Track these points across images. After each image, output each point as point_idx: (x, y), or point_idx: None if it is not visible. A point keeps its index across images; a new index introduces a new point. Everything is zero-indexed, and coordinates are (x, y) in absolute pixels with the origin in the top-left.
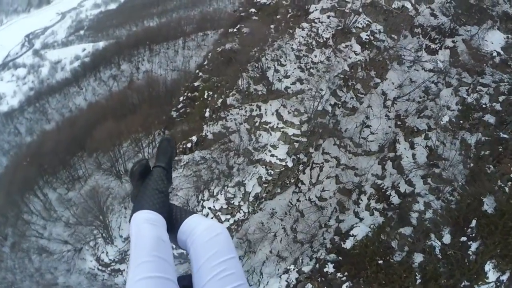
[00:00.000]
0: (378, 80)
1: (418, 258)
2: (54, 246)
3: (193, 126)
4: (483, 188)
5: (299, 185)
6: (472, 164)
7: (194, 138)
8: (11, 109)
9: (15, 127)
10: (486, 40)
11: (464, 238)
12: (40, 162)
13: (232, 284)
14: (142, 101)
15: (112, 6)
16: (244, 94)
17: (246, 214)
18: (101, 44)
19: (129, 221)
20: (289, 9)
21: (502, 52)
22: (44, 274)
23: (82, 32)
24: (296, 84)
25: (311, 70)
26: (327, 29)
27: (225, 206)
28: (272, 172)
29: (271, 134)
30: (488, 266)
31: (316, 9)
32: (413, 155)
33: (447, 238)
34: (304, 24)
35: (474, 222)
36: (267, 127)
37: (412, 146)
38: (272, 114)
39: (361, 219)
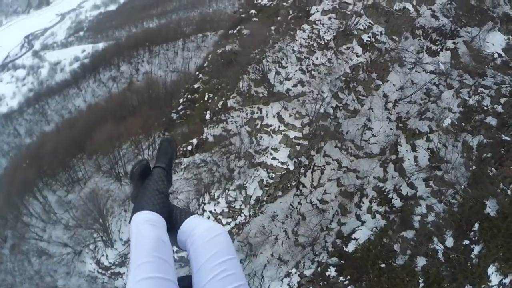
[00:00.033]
0: (379, 82)
1: (421, 261)
2: (54, 248)
3: (193, 128)
4: (486, 191)
5: (301, 187)
6: (474, 167)
7: (194, 141)
8: (10, 110)
9: (15, 129)
10: (487, 42)
11: (466, 242)
12: (40, 164)
13: (232, 284)
14: (142, 103)
15: (112, 7)
16: (245, 96)
17: (247, 217)
18: (100, 46)
19: (129, 221)
20: (289, 10)
21: (503, 54)
22: (43, 276)
23: (81, 33)
24: (298, 86)
25: (313, 72)
26: (328, 31)
27: (226, 210)
28: (274, 175)
29: (272, 137)
30: (491, 269)
31: (317, 11)
32: (415, 158)
33: (450, 242)
34: (305, 26)
35: (476, 225)
36: (268, 129)
37: (414, 149)
38: (273, 116)
39: (363, 222)
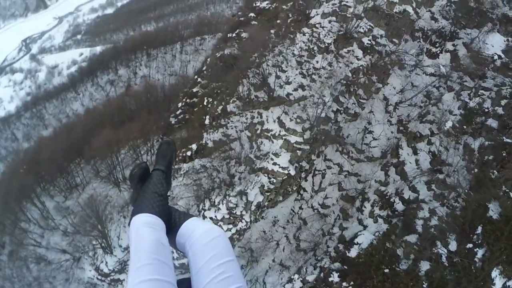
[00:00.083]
0: (379, 85)
1: (425, 266)
2: (52, 255)
3: (192, 133)
4: (488, 194)
5: (301, 192)
6: (476, 170)
7: (194, 146)
8: (8, 114)
9: (12, 133)
10: (486, 43)
11: (470, 245)
12: (37, 169)
13: (230, 286)
14: (140, 107)
15: (109, 10)
16: (245, 101)
17: (248, 223)
18: (98, 49)
19: (129, 224)
20: (289, 13)
21: (503, 55)
22: (42, 283)
23: (79, 36)
24: (298, 90)
25: (313, 76)
26: (329, 34)
27: (226, 216)
28: (275, 181)
29: (273, 142)
30: (495, 273)
31: (317, 14)
32: (416, 161)
33: (453, 245)
34: (305, 29)
35: (479, 228)
36: (269, 134)
37: (415, 152)
38: (274, 121)
39: (365, 227)
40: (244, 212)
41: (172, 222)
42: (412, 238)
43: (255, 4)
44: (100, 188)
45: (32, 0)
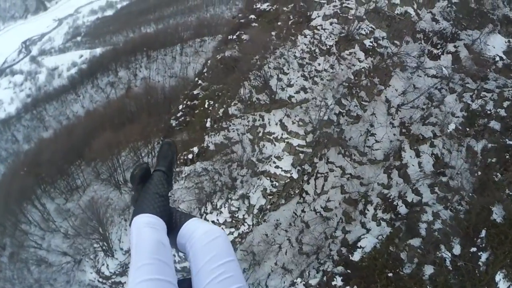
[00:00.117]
0: (381, 87)
1: (429, 270)
2: (53, 257)
3: (193, 136)
4: (492, 197)
5: (304, 195)
6: (479, 172)
7: (195, 149)
8: (8, 116)
9: (13, 135)
10: (487, 45)
11: (474, 249)
12: (38, 171)
13: (231, 286)
14: (141, 109)
15: (109, 12)
16: (246, 103)
17: (250, 226)
18: (98, 51)
19: (130, 224)
20: (290, 15)
21: (504, 57)
22: (43, 285)
23: (79, 38)
24: (300, 93)
25: (315, 79)
26: (330, 36)
27: (229, 220)
28: (277, 184)
29: (275, 145)
30: (499, 276)
31: (319, 16)
32: (419, 163)
33: (457, 249)
34: (307, 31)
35: (483, 232)
36: (271, 137)
37: (417, 154)
38: (276, 124)
39: (368, 230)
40: (246, 216)
41: (173, 222)
42: (415, 242)
43: (256, 6)
44: (101, 191)
45: (32, 2)
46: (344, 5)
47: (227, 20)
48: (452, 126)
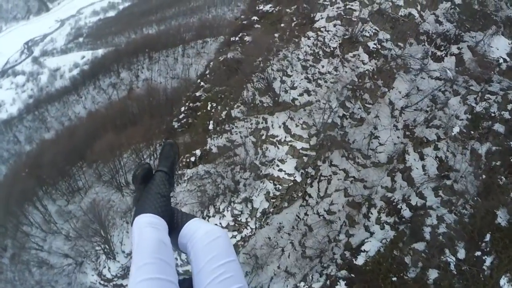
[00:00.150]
0: (385, 90)
1: (433, 274)
2: (55, 259)
3: (196, 138)
4: (496, 201)
5: (307, 198)
6: (484, 176)
7: (198, 152)
8: (10, 117)
9: (14, 135)
10: (491, 46)
11: (478, 253)
12: (39, 172)
13: (231, 286)
14: (143, 111)
15: (111, 13)
16: (249, 106)
17: (253, 230)
18: (100, 52)
19: (132, 224)
20: (293, 17)
21: (508, 59)
22: (44, 287)
23: (81, 39)
24: (304, 95)
25: (319, 81)
26: (334, 38)
27: (231, 223)
28: (280, 187)
29: (278, 148)
30: (503, 280)
31: (322, 17)
32: (423, 167)
33: (461, 253)
34: (310, 33)
35: (488, 236)
36: (274, 140)
37: (421, 157)
38: (279, 127)
39: (371, 234)
40: (249, 219)
41: (175, 222)
42: (420, 246)
43: (258, 7)
44: (103, 193)
45: (34, 3)
46: (347, 7)
47: (229, 21)
48: (456, 129)
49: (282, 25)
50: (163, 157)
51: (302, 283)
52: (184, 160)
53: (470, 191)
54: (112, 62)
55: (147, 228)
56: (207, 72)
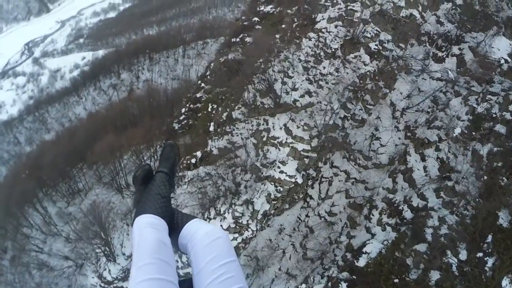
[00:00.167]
0: (386, 91)
1: (435, 275)
2: (55, 261)
3: (196, 140)
4: (498, 202)
5: (308, 200)
6: (485, 177)
7: (198, 153)
8: (10, 118)
9: (15, 136)
10: (492, 47)
11: (480, 254)
12: (40, 174)
13: (232, 286)
14: (143, 112)
15: (112, 14)
16: (250, 107)
17: (254, 232)
18: (100, 53)
19: (132, 224)
20: (294, 18)
21: (509, 59)
22: None
23: (81, 40)
24: (305, 97)
25: (320, 82)
26: (335, 39)
27: (232, 225)
28: (281, 189)
29: (279, 150)
30: (505, 281)
31: (323, 18)
32: (425, 168)
33: (463, 255)
34: (311, 34)
35: (490, 237)
36: (275, 142)
37: (423, 158)
38: (280, 128)
39: (373, 235)
40: (250, 221)
41: (175, 223)
42: (421, 247)
43: (259, 8)
44: (103, 194)
45: (35, 4)
46: (349, 7)
47: (230, 22)
48: (458, 130)
49: (283, 26)
50: (163, 158)
51: (304, 285)
52: (184, 161)
53: (471, 192)
54: (112, 63)
55: (147, 228)
56: (207, 73)
